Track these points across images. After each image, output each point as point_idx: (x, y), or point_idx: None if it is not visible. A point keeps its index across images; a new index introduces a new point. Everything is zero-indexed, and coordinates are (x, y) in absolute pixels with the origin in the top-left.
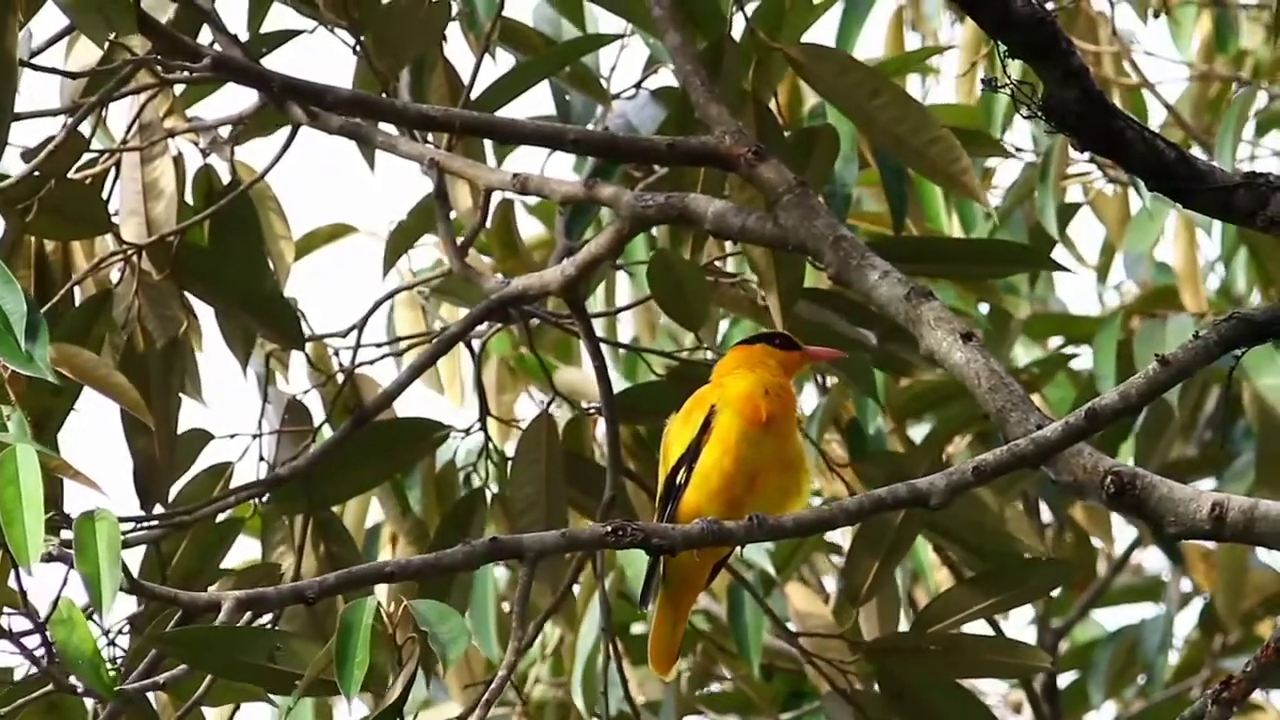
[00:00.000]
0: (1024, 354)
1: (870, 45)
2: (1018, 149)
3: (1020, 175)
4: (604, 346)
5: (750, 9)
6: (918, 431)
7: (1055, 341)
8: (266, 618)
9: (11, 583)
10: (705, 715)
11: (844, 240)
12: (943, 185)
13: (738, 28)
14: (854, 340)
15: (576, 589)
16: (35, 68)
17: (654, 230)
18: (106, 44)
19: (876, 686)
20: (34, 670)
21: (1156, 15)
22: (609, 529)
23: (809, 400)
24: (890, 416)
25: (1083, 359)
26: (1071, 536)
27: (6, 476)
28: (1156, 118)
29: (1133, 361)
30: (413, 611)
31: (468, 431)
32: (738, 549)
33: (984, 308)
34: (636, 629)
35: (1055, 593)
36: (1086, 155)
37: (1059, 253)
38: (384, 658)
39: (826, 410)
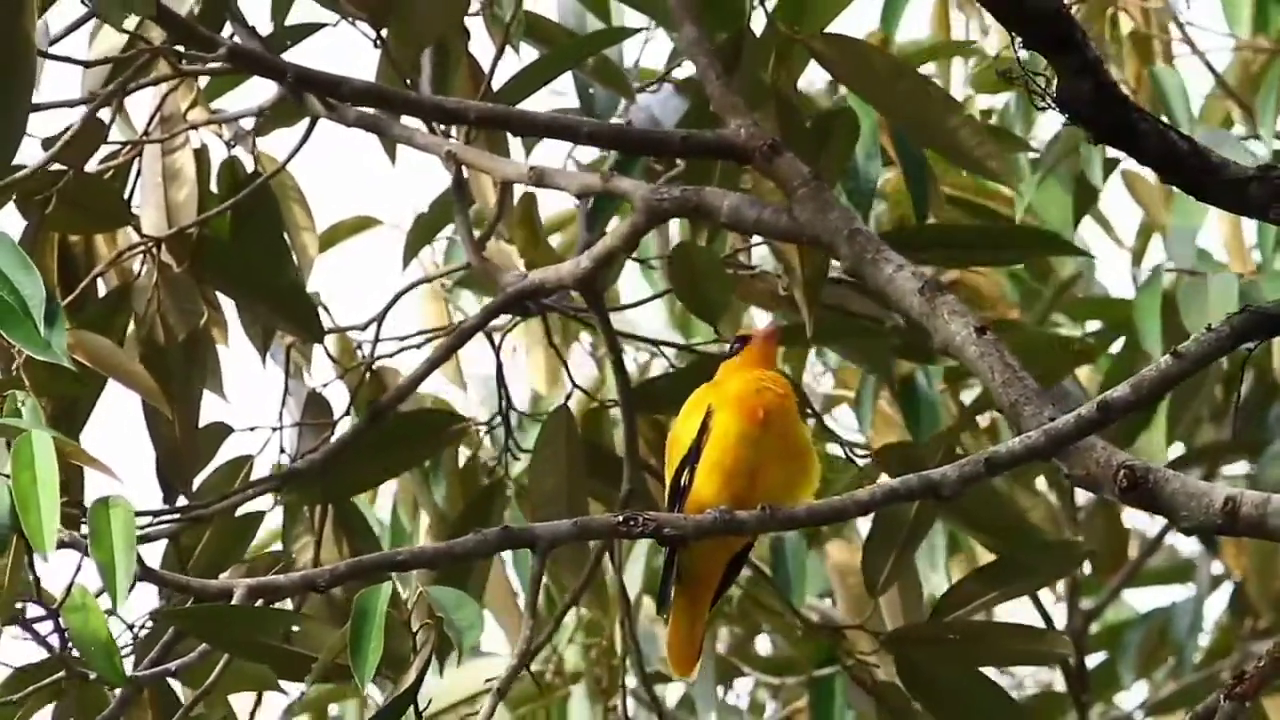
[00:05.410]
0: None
1: (915, 27)
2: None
3: (1062, 129)
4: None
5: (771, 2)
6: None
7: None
8: (288, 604)
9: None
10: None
11: (859, 234)
12: (968, 169)
13: (757, 19)
14: (871, 327)
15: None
16: (52, 57)
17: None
18: (126, 31)
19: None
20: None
21: None
22: (621, 518)
23: None
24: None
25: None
26: (1102, 520)
27: (23, 462)
28: (1201, 89)
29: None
30: (429, 597)
31: (489, 424)
32: (753, 546)
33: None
34: None
35: (1087, 570)
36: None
37: (1095, 234)
38: (405, 646)
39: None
